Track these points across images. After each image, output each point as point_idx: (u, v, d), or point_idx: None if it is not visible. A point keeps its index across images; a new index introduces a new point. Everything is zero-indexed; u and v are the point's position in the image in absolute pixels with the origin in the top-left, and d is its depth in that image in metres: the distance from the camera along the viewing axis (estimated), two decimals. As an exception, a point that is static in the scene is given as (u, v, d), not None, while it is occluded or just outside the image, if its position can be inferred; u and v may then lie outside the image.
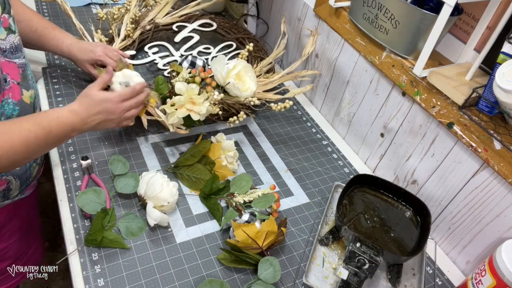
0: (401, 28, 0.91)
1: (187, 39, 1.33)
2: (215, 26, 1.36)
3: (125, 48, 1.21)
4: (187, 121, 0.98)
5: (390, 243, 0.88)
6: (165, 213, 0.85)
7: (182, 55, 1.24)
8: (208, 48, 1.32)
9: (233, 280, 0.81)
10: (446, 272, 0.92)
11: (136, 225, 0.85)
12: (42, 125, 0.74)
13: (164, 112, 0.97)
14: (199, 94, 0.96)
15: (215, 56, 1.25)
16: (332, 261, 0.88)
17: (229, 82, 1.03)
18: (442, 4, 0.79)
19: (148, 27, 1.26)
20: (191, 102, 0.94)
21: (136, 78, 0.94)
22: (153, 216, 0.82)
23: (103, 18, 1.21)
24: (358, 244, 0.79)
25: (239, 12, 1.56)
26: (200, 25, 1.35)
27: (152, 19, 1.28)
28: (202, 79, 1.02)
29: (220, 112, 1.04)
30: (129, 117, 0.91)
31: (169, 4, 1.31)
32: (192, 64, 1.15)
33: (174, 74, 1.07)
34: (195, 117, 0.94)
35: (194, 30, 1.34)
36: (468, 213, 0.88)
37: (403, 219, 0.93)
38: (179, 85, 0.95)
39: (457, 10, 0.87)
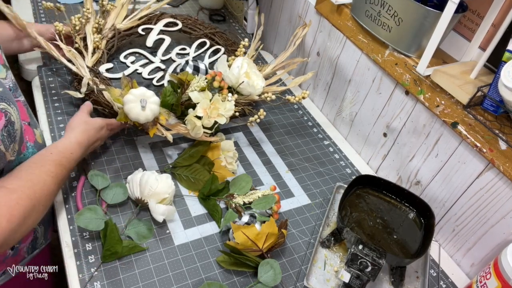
0: (404, 25, 0.90)
1: (158, 42, 1.22)
2: (180, 24, 1.29)
3: (98, 62, 1.08)
4: (216, 127, 0.97)
5: (393, 245, 0.87)
6: (170, 204, 0.84)
7: (162, 60, 1.17)
8: (184, 49, 1.23)
9: (233, 283, 0.79)
10: (451, 275, 0.90)
11: (145, 227, 0.84)
12: (64, 165, 0.77)
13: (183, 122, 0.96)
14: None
15: (197, 56, 1.23)
16: (334, 264, 0.86)
17: (242, 82, 1.02)
18: (446, 1, 0.78)
19: (110, 35, 1.16)
20: (214, 108, 0.94)
21: (153, 98, 0.89)
22: (160, 211, 0.81)
23: (63, 32, 1.07)
24: (360, 246, 0.78)
25: (239, 9, 1.55)
26: (165, 25, 1.26)
27: (112, 25, 1.18)
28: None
29: (237, 114, 1.02)
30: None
31: (126, 7, 1.21)
32: (196, 69, 1.12)
33: (183, 83, 1.00)
34: (222, 121, 0.94)
35: (160, 31, 1.25)
36: (472, 214, 0.87)
37: (406, 220, 0.92)
38: (194, 95, 0.93)
39: (462, 7, 0.85)
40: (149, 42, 1.21)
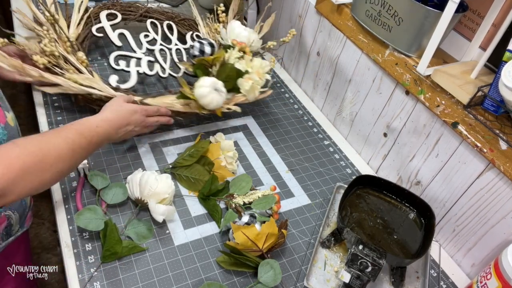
0: (405, 25, 0.89)
1: (120, 38, 1.16)
2: (119, 15, 1.21)
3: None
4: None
5: (394, 245, 0.86)
6: (170, 204, 0.84)
7: (147, 51, 1.15)
8: (147, 36, 1.19)
9: (233, 284, 0.79)
10: (451, 275, 0.90)
11: (144, 228, 0.83)
12: (84, 135, 0.76)
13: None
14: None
15: (163, 36, 1.22)
16: (334, 264, 0.86)
17: (253, 40, 1.17)
18: (446, 0, 0.77)
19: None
20: (261, 69, 1.08)
21: (220, 82, 0.98)
22: (160, 211, 0.81)
23: (46, 64, 0.94)
24: (360, 247, 0.77)
25: (239, 9, 1.54)
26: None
27: (68, 39, 1.04)
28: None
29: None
30: (147, 127, 0.97)
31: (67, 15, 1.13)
32: (212, 45, 1.16)
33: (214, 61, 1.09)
34: (269, 76, 1.10)
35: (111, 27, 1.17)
36: (473, 215, 0.87)
37: (406, 221, 0.91)
38: (242, 65, 1.07)
39: (462, 6, 0.85)
40: (117, 41, 1.14)
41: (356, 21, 1.04)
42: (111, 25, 1.19)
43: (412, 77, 0.91)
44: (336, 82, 1.19)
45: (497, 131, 0.78)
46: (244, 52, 1.12)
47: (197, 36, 1.29)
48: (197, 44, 1.14)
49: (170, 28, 1.27)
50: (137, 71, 1.09)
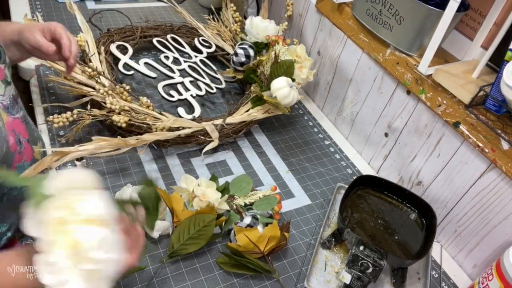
0: (406, 24, 0.89)
1: (149, 68, 1.12)
2: (130, 48, 1.16)
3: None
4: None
5: (395, 246, 0.86)
6: (163, 219, 0.82)
7: (179, 72, 1.13)
8: (168, 58, 1.16)
9: (232, 284, 0.78)
10: (452, 276, 0.89)
11: None
12: None
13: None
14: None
15: (194, 47, 1.22)
16: (335, 265, 0.86)
17: (278, 29, 1.23)
18: (448, -1, 0.77)
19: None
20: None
21: (288, 79, 1.03)
22: (155, 227, 0.79)
23: (127, 121, 0.91)
24: (361, 247, 0.77)
25: (239, 8, 1.54)
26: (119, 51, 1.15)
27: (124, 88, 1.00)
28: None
29: None
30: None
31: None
32: (252, 47, 1.17)
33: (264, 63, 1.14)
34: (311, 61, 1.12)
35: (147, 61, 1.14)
36: (474, 215, 0.86)
37: (407, 221, 0.91)
38: (288, 57, 1.09)
39: (464, 6, 0.84)
40: (151, 73, 1.10)
41: (357, 20, 1.04)
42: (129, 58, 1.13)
43: (413, 76, 0.91)
44: (337, 81, 1.19)
45: (499, 131, 0.77)
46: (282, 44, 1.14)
47: (204, 40, 1.29)
48: (240, 51, 1.15)
49: (174, 40, 1.25)
50: (191, 95, 1.07)
